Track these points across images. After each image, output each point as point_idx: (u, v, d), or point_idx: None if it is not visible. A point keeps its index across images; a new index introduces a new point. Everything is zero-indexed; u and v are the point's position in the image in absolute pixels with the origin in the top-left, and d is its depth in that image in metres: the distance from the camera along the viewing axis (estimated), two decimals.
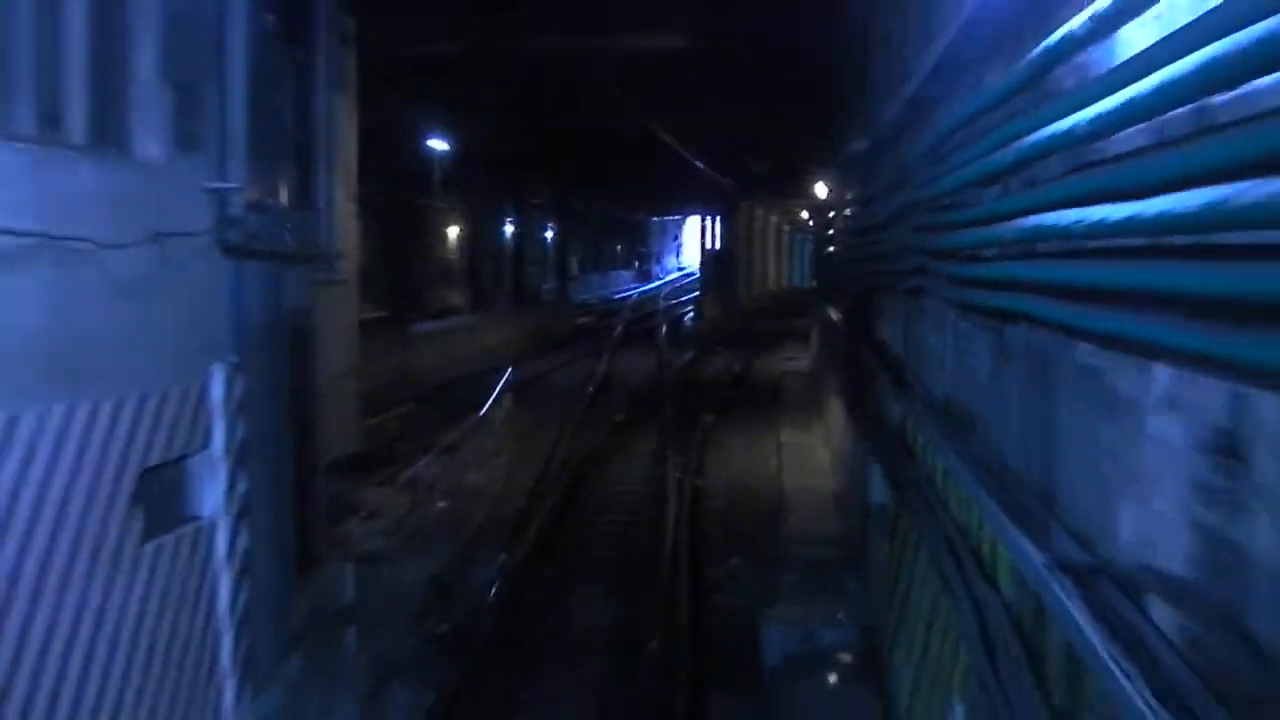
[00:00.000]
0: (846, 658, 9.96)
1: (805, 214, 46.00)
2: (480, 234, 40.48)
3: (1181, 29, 2.92)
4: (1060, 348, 4.63)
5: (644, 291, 64.20)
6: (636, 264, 75.65)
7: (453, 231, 38.16)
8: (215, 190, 8.12)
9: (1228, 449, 2.93)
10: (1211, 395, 3.03)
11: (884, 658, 9.38)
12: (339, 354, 12.86)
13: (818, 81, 19.22)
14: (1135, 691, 3.16)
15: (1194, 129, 3.12)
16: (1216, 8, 2.76)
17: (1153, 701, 3.07)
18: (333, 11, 12.08)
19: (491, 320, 37.52)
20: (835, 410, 18.09)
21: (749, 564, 13.10)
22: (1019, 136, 4.74)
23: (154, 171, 7.51)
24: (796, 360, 31.82)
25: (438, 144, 30.34)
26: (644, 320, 46.13)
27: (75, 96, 6.88)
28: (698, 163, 40.38)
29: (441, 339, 30.97)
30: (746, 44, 18.93)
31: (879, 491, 10.27)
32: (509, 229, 44.21)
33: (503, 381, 19.77)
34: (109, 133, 7.15)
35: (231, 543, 8.49)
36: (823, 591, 11.73)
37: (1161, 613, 3.36)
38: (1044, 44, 4.17)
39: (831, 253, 21.74)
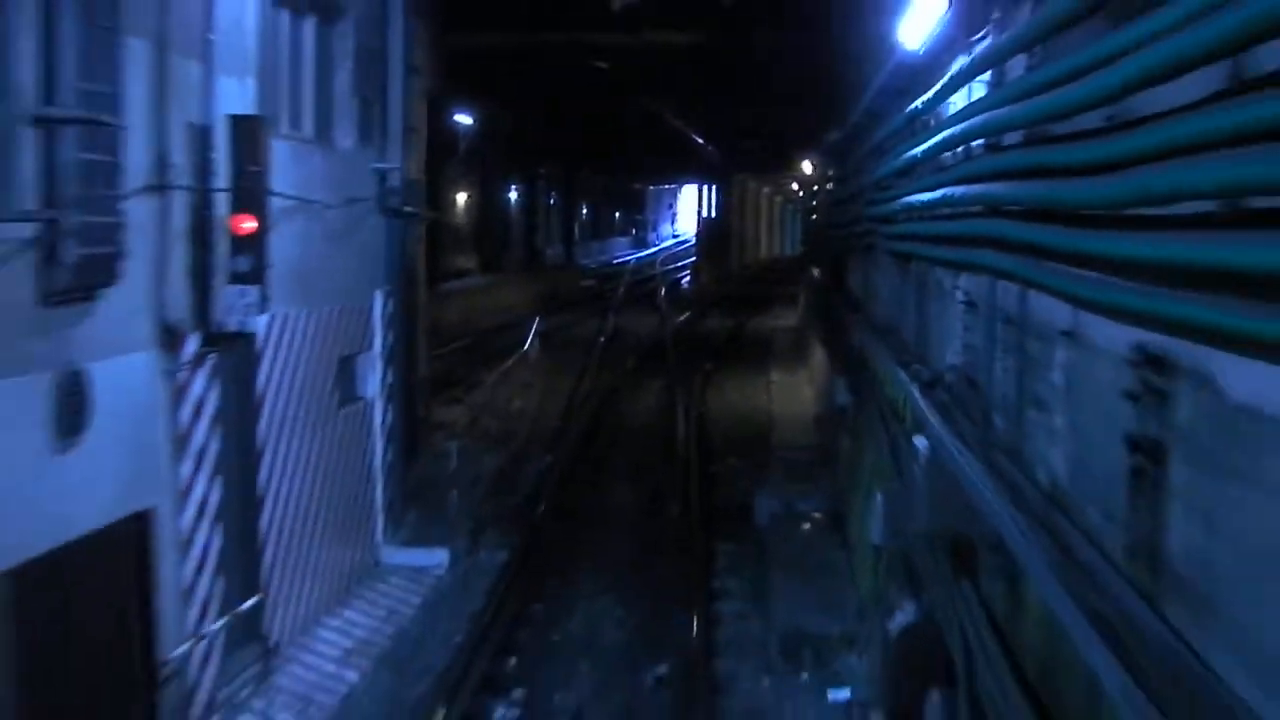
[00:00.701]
0: (817, 515, 13.69)
1: (795, 187, 49.40)
2: (489, 202, 43.84)
3: (957, 111, 6.53)
4: (928, 272, 8.29)
5: (641, 258, 67.71)
6: (633, 231, 79.11)
7: (461, 198, 41.56)
8: (379, 169, 11.72)
9: (971, 304, 6.60)
10: (971, 284, 6.70)
11: (844, 512, 13.10)
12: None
13: (806, 76, 22.77)
14: (937, 422, 6.83)
15: (962, 158, 6.75)
16: (972, 103, 6.36)
17: (940, 420, 6.74)
18: (423, 23, 15.59)
19: (505, 282, 41.03)
20: (817, 354, 21.75)
21: (745, 465, 16.81)
22: (910, 149, 8.36)
23: (347, 157, 11.13)
24: (785, 319, 35.53)
25: (461, 118, 33.69)
26: (644, 284, 49.75)
27: (307, 108, 10.49)
28: (697, 138, 44.03)
29: (463, 297, 34.48)
30: (746, 42, 22.49)
31: (843, 397, 13.95)
32: (515, 197, 47.64)
33: (531, 332, 23.43)
34: (323, 131, 10.75)
35: (383, 417, 12.17)
36: (801, 480, 15.46)
37: (951, 386, 7.03)
38: (911, 104, 7.80)
39: (815, 221, 25.36)
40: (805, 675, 9.64)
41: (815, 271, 25.98)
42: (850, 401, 13.40)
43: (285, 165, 9.54)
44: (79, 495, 6.92)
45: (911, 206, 8.32)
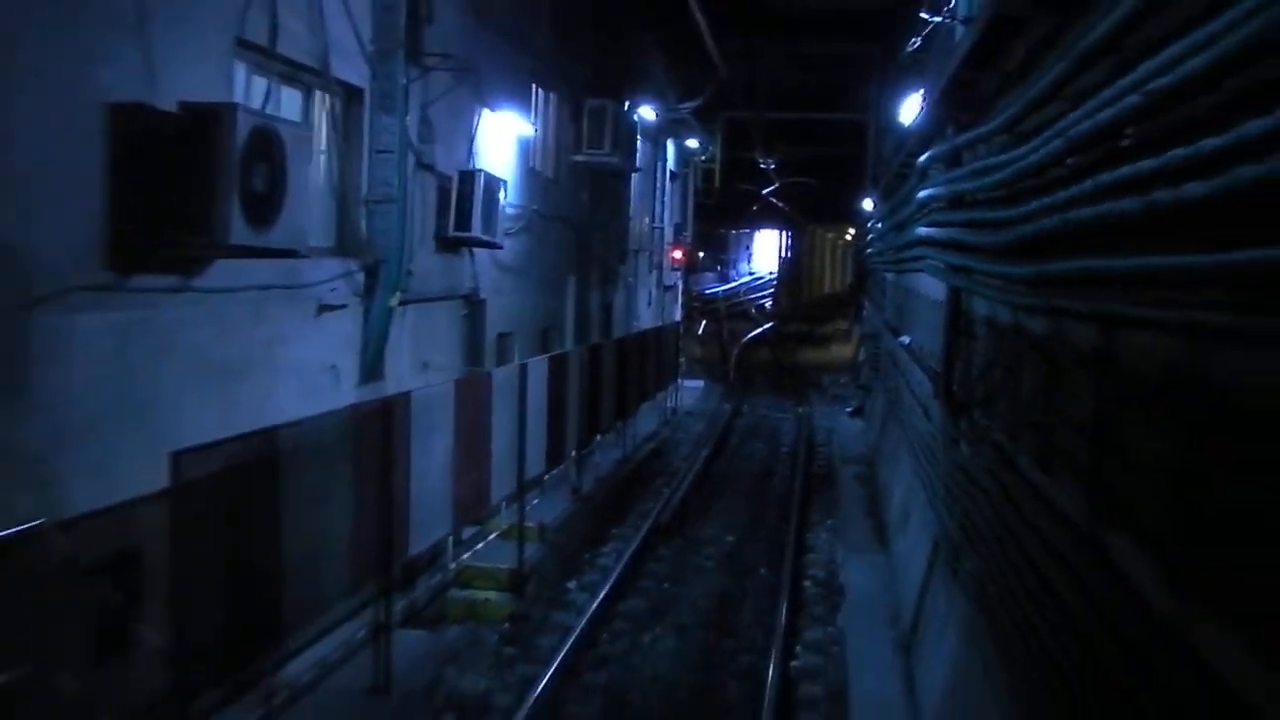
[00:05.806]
0: (845, 380, 35.00)
1: (849, 236, 70.76)
2: None
3: (876, 228, 28.02)
4: (881, 273, 29.78)
5: (727, 289, 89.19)
6: (718, 268, 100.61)
7: None
8: (684, 235, 33.55)
9: (883, 277, 28.09)
10: (887, 275, 28.20)
11: (859, 378, 34.40)
12: None
13: (856, 158, 44.13)
14: (869, 306, 28.26)
15: (879, 233, 28.24)
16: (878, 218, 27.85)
17: (870, 306, 28.15)
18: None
19: None
20: (856, 335, 43.04)
21: (815, 373, 38.18)
22: (875, 227, 29.81)
23: (679, 228, 32.91)
24: (842, 326, 56.88)
25: None
26: (737, 305, 71.19)
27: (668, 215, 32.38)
28: (777, 201, 65.39)
29: None
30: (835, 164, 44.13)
31: (857, 331, 35.28)
32: None
33: (701, 324, 45.07)
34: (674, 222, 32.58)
35: (676, 327, 33.92)
36: (841, 372, 36.84)
37: (875, 298, 28.50)
38: (867, 220, 29.38)
39: (860, 258, 46.77)
40: (838, 406, 30.87)
41: (860, 293, 47.48)
42: (861, 333, 34.75)
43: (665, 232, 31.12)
44: (646, 317, 28.40)
45: (874, 251, 29.76)
